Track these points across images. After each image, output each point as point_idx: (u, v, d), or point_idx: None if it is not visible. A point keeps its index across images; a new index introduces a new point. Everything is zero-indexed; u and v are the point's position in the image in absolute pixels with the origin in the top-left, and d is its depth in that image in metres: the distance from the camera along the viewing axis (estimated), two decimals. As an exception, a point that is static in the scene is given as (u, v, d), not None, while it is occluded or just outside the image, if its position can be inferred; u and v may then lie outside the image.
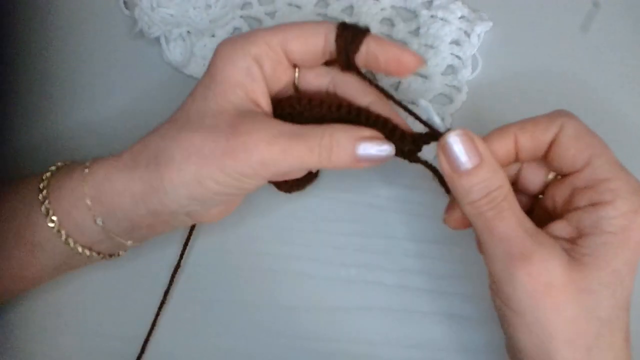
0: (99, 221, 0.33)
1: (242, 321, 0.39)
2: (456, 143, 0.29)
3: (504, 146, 0.32)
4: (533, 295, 0.28)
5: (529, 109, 0.41)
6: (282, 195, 0.40)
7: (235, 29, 0.44)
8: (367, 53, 0.33)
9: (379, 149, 0.32)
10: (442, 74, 0.42)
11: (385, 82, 0.42)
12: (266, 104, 0.34)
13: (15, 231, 0.34)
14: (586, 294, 0.28)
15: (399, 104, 0.34)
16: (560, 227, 0.30)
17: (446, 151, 0.30)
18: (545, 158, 0.32)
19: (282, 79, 0.35)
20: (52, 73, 0.44)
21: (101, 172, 0.33)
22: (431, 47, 0.42)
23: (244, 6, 0.45)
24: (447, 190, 0.34)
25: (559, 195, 0.32)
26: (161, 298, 0.39)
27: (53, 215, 0.33)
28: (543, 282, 0.28)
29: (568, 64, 0.42)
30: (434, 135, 0.31)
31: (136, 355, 0.39)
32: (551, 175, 0.33)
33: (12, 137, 0.43)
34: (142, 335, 0.39)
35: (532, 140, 0.32)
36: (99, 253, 0.35)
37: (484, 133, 0.40)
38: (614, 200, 0.29)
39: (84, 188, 0.33)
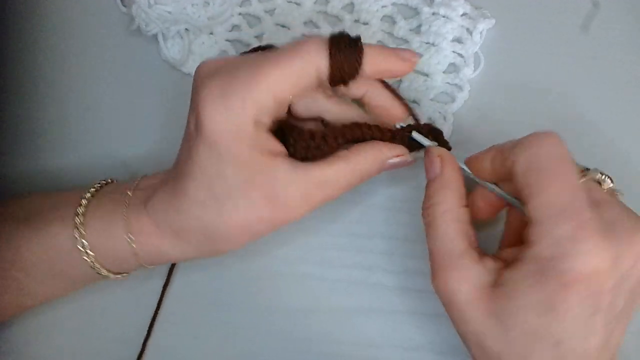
0: (142, 259, 0.34)
1: (241, 323, 0.39)
2: (425, 156, 0.34)
3: (484, 167, 0.34)
4: (446, 303, 0.32)
5: (530, 108, 0.42)
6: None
7: (234, 26, 0.44)
8: (365, 74, 0.34)
9: (404, 161, 0.35)
10: (444, 72, 0.42)
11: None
12: (278, 145, 0.33)
13: (50, 265, 0.34)
14: (494, 317, 0.30)
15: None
16: (507, 252, 0.32)
17: (425, 161, 0.34)
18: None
19: (278, 117, 0.34)
20: (49, 71, 0.44)
21: (147, 238, 0.33)
22: (433, 44, 0.42)
23: (242, 3, 0.44)
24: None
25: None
26: (157, 301, 0.39)
27: (96, 263, 0.34)
28: (450, 299, 0.31)
29: (569, 63, 0.42)
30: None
31: (135, 357, 0.39)
32: None
33: (2, 135, 0.42)
34: (140, 337, 0.39)
35: (501, 167, 0.32)
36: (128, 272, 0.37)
37: (486, 131, 0.41)
38: (533, 245, 0.29)
39: (129, 247, 0.34)
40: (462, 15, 0.42)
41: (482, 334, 0.30)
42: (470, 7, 0.42)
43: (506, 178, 0.32)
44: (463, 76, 0.42)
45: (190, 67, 0.43)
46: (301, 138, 0.33)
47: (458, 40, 0.42)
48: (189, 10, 0.42)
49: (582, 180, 0.32)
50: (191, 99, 0.32)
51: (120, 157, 0.42)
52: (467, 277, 0.31)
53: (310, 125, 0.35)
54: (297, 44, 0.32)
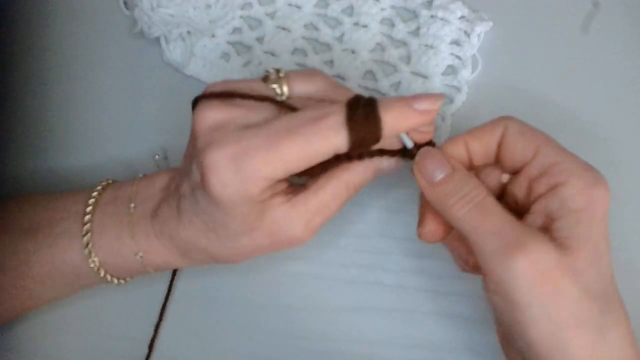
0: (150, 269, 0.36)
1: (242, 321, 0.39)
2: (427, 158, 0.32)
3: (456, 153, 0.33)
4: (534, 284, 0.28)
5: (528, 109, 0.41)
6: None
7: (235, 29, 0.45)
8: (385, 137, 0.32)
9: (391, 166, 0.34)
10: (442, 74, 0.42)
11: (385, 82, 0.42)
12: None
13: (62, 275, 0.35)
14: (579, 274, 0.28)
15: None
16: (530, 220, 0.31)
17: (420, 166, 0.32)
18: (497, 160, 0.34)
19: None
20: (51, 73, 0.44)
21: (155, 255, 0.35)
22: (431, 47, 0.42)
23: (244, 6, 0.45)
24: None
25: (518, 192, 0.33)
26: (163, 300, 0.39)
27: (107, 275, 0.36)
28: (541, 269, 0.28)
29: (568, 64, 0.42)
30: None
31: (143, 356, 0.39)
32: (505, 178, 0.34)
33: (6, 136, 0.43)
34: (147, 337, 0.39)
35: (482, 145, 0.33)
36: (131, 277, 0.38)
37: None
38: (569, 179, 0.30)
39: (138, 263, 0.35)
40: (460, 18, 0.42)
41: (554, 309, 0.28)
42: (468, 10, 0.43)
43: (485, 159, 0.34)
44: (461, 78, 0.42)
45: (192, 70, 0.43)
46: None
47: (456, 42, 0.43)
48: (191, 14, 0.42)
49: None
50: (195, 151, 0.31)
51: (123, 159, 0.42)
52: (546, 241, 0.29)
53: None
54: (316, 117, 0.30)
